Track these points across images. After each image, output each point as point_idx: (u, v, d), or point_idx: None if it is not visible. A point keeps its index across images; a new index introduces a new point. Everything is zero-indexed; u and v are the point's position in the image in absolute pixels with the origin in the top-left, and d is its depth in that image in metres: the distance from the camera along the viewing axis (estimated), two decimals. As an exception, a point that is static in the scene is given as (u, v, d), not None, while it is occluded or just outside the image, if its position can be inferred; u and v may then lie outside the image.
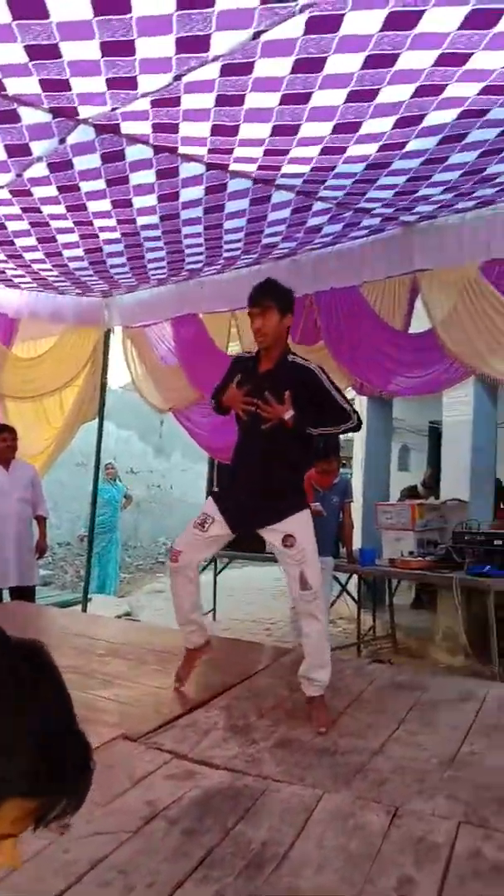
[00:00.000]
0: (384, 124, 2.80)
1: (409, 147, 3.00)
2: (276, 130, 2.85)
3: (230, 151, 3.05)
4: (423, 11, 2.07)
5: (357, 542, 5.79)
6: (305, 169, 3.23)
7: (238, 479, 2.83)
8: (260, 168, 3.23)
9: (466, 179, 3.40)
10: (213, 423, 5.57)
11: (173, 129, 2.86)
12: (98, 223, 3.86)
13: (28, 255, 4.45)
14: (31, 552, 5.00)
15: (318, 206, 3.72)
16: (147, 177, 3.29)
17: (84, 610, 6.10)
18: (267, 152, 3.06)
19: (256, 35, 2.18)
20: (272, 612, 7.59)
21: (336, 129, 2.83)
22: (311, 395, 2.68)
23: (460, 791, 2.02)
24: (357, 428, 2.78)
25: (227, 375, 2.89)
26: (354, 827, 1.80)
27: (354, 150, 3.02)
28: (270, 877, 1.58)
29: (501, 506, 6.74)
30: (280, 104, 2.65)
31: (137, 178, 3.30)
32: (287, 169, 3.24)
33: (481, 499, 5.75)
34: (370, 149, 3.01)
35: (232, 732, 2.42)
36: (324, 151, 3.05)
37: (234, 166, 3.21)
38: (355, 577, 6.07)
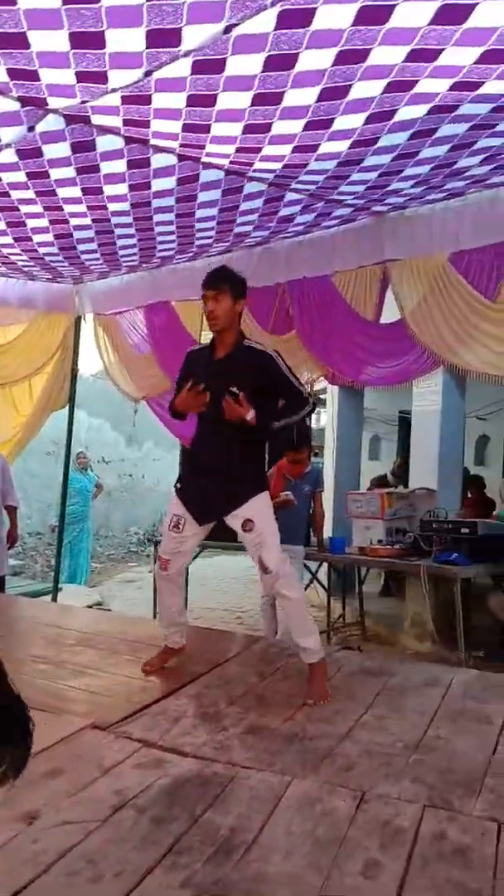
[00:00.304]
0: (356, 120, 2.79)
1: (380, 143, 3.00)
2: (248, 129, 2.83)
3: (202, 147, 3.03)
4: (394, 6, 2.06)
5: (328, 531, 5.84)
6: (277, 166, 3.23)
7: (198, 466, 2.88)
8: (232, 163, 3.21)
9: (437, 173, 3.42)
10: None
11: (145, 124, 2.83)
12: (68, 209, 3.80)
13: (-3, 240, 4.38)
14: (2, 542, 4.95)
15: (290, 196, 3.71)
16: (118, 166, 3.25)
17: (54, 600, 6.06)
18: (239, 150, 3.04)
19: (228, 29, 2.15)
20: (243, 601, 7.63)
21: (308, 126, 2.82)
22: (270, 381, 2.70)
23: (426, 775, 2.06)
24: (312, 410, 2.79)
25: (180, 376, 2.92)
26: (322, 812, 1.83)
27: (327, 146, 3.01)
28: (239, 863, 1.60)
29: (468, 495, 6.85)
30: (252, 104, 2.63)
31: (108, 167, 3.25)
32: (259, 165, 3.23)
33: (449, 488, 5.82)
34: (342, 145, 3.01)
35: (202, 720, 2.44)
36: (296, 149, 3.04)
37: (206, 159, 3.19)
38: (325, 565, 6.13)
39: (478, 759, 2.17)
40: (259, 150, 3.04)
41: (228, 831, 1.72)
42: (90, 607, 6.35)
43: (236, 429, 2.67)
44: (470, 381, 5.74)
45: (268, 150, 3.04)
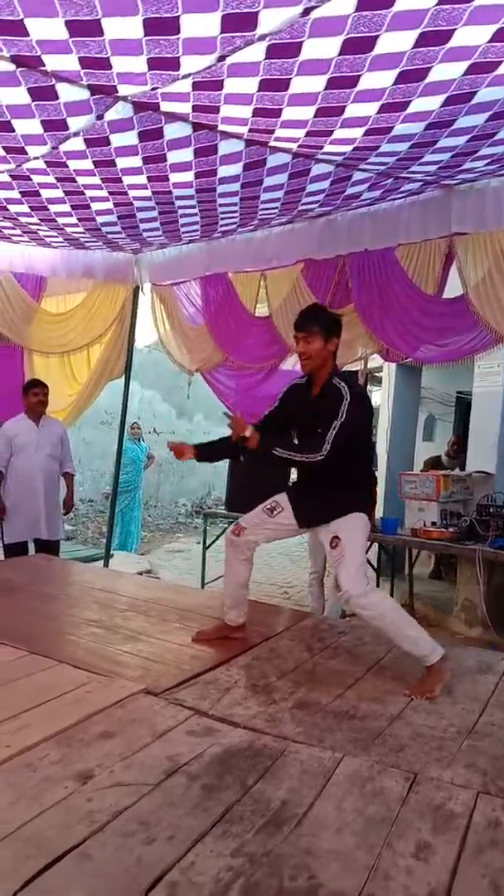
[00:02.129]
0: (433, 102, 2.69)
1: (456, 125, 2.89)
2: (321, 112, 2.76)
3: (271, 132, 2.96)
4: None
5: (379, 511, 5.77)
6: (348, 149, 3.14)
7: (303, 484, 2.95)
8: (301, 146, 3.14)
9: None
10: (240, 386, 5.53)
11: (214, 110, 2.78)
12: (133, 193, 3.79)
13: (61, 220, 4.40)
14: (58, 508, 5.06)
15: (357, 175, 3.61)
16: (185, 155, 3.21)
17: (106, 565, 6.18)
18: (310, 133, 2.97)
19: (307, 12, 2.07)
20: (291, 577, 7.64)
21: (383, 109, 2.73)
22: (327, 412, 2.66)
23: (479, 761, 2.02)
24: (316, 465, 2.68)
25: (278, 403, 3.01)
26: (373, 791, 1.81)
27: (400, 128, 2.91)
28: (289, 836, 1.60)
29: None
30: (326, 88, 2.56)
31: (175, 156, 3.23)
32: (329, 148, 3.14)
33: (509, 471, 5.67)
34: (417, 127, 2.91)
35: (252, 692, 2.44)
36: (369, 132, 2.95)
37: (274, 143, 3.12)
38: (375, 545, 6.07)
39: (533, 749, 2.12)
40: (330, 132, 2.96)
41: (279, 804, 1.72)
42: (140, 574, 6.45)
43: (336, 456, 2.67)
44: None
45: (339, 132, 2.96)
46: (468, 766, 1.99)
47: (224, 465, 8.61)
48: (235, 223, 4.51)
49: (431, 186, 4.00)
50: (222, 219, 4.34)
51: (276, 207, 4.07)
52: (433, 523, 5.08)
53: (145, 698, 2.31)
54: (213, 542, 7.04)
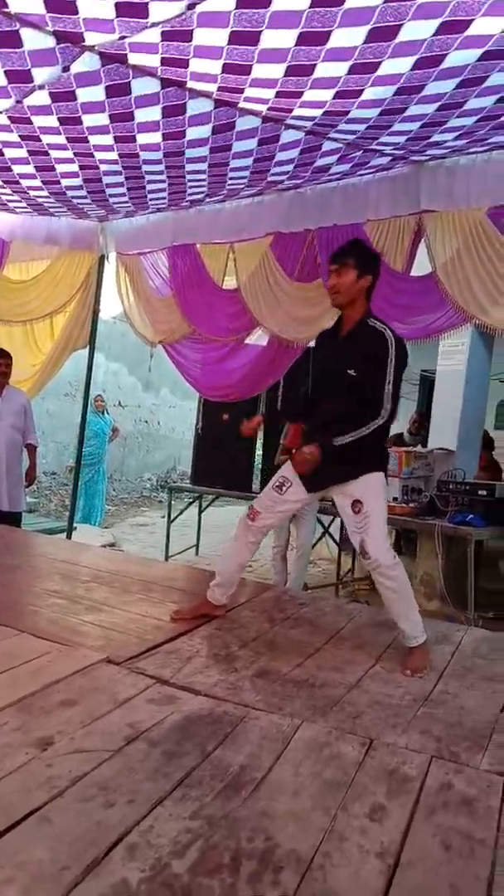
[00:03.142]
0: (403, 65, 2.64)
1: (426, 91, 2.86)
2: (291, 71, 2.70)
3: (241, 91, 2.90)
4: None
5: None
6: (317, 112, 3.09)
7: (309, 436, 2.74)
8: (271, 109, 3.09)
9: (482, 125, 3.27)
10: (204, 359, 5.50)
11: (183, 63, 2.71)
12: (99, 156, 3.70)
13: (25, 182, 4.28)
14: (21, 480, 5.00)
15: (327, 146, 3.58)
16: (153, 114, 3.13)
17: (69, 538, 6.14)
18: (279, 94, 2.91)
19: None
20: (254, 550, 7.69)
21: (353, 70, 2.68)
22: (371, 364, 2.51)
23: (434, 728, 2.08)
24: (383, 425, 2.52)
25: (302, 354, 2.86)
26: (330, 756, 1.86)
27: (370, 93, 2.87)
28: (247, 799, 1.63)
29: (485, 456, 6.78)
30: (297, 44, 2.50)
31: (143, 114, 3.14)
32: (299, 112, 3.10)
33: (468, 450, 5.77)
34: (387, 91, 2.86)
35: (214, 661, 2.47)
36: (338, 95, 2.90)
37: (243, 105, 3.06)
38: (338, 519, 6.14)
39: (486, 716, 2.19)
40: (300, 94, 2.91)
41: (238, 768, 1.75)
42: (104, 547, 6.43)
43: (341, 400, 2.57)
44: (497, 342, 5.65)
45: (309, 94, 2.91)
46: (423, 732, 2.05)
47: (190, 439, 8.60)
48: (203, 192, 4.44)
49: (401, 163, 3.99)
50: (190, 187, 4.27)
51: (245, 177, 4.02)
52: (395, 499, 5.15)
53: (107, 667, 2.32)
54: (178, 516, 7.06)
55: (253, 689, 2.26)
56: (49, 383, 6.11)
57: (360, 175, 4.24)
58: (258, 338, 5.14)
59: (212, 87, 2.91)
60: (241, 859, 1.41)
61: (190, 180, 4.10)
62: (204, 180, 4.09)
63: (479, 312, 3.95)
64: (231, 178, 4.06)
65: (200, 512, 7.46)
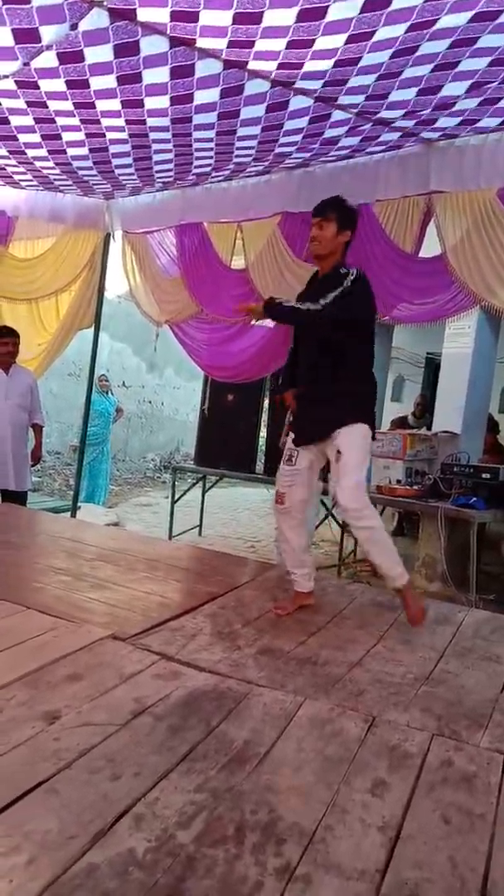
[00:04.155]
0: (397, 30, 2.63)
1: (420, 51, 2.81)
2: (303, 16, 2.65)
3: (251, 44, 2.85)
4: None
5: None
6: (328, 65, 3.03)
7: (301, 392, 2.87)
8: (281, 66, 3.03)
9: (483, 89, 3.19)
10: (210, 339, 5.49)
11: (193, 17, 2.67)
12: (106, 122, 3.66)
13: (31, 153, 4.25)
14: (26, 458, 5.01)
15: (336, 115, 3.53)
16: (161, 75, 3.09)
17: (73, 517, 6.17)
18: (290, 44, 2.85)
19: None
20: (257, 531, 7.73)
21: (365, 8, 2.61)
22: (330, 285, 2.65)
23: (435, 706, 2.11)
24: (315, 319, 2.63)
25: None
26: (332, 733, 1.88)
27: (383, 32, 2.79)
28: (251, 773, 1.65)
29: (489, 440, 6.78)
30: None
31: (151, 75, 3.10)
32: (310, 66, 3.04)
33: (473, 433, 5.76)
34: (398, 30, 2.77)
35: (217, 638, 2.50)
36: (350, 39, 2.84)
37: (253, 64, 3.01)
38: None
39: (486, 695, 2.22)
40: (312, 42, 2.85)
41: (242, 743, 1.78)
42: (108, 526, 6.46)
43: (324, 352, 2.70)
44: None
45: (321, 42, 2.84)
46: (424, 710, 2.07)
47: (193, 420, 8.59)
48: (210, 165, 4.40)
49: (410, 140, 3.95)
50: (197, 159, 4.23)
51: (253, 147, 3.96)
52: (398, 481, 5.16)
53: (112, 643, 2.34)
54: (181, 496, 7.08)
55: (256, 666, 2.28)
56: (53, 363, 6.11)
57: (370, 153, 4.19)
58: (267, 319, 5.12)
59: (221, 44, 2.85)
60: (245, 831, 1.44)
61: (197, 149, 4.04)
62: (211, 150, 4.04)
63: (487, 295, 3.93)
64: (239, 149, 4.01)
65: (204, 493, 7.48)
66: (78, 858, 1.31)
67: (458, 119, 3.62)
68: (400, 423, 7.61)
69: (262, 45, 2.86)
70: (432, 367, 8.85)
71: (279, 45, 2.87)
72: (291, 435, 2.87)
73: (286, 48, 2.89)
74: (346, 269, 2.69)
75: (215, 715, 1.91)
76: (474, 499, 4.67)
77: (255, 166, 4.47)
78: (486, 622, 3.01)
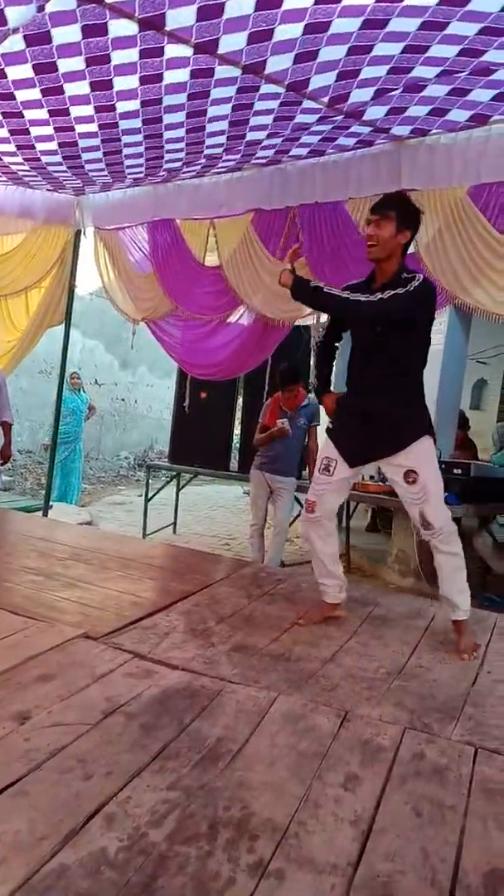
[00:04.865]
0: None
1: (390, 27, 2.80)
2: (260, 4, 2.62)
3: (217, 31, 2.83)
4: None
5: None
6: (288, 62, 3.03)
7: (353, 402, 2.67)
8: (249, 53, 3.01)
9: (451, 78, 3.20)
10: (188, 337, 5.46)
11: (160, 5, 2.64)
12: (75, 112, 3.61)
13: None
14: (-6, 458, 4.94)
15: (307, 104, 3.52)
16: (130, 55, 3.05)
17: (45, 516, 6.11)
18: (251, 37, 2.84)
19: None
20: (232, 528, 7.73)
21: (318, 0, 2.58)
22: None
23: (406, 700, 2.12)
24: (361, 314, 2.48)
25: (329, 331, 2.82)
26: (305, 728, 1.89)
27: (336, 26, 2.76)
28: (224, 770, 1.65)
29: (460, 436, 6.85)
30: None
31: (119, 56, 3.06)
32: (274, 63, 3.03)
33: (445, 429, 5.80)
34: (354, 24, 2.74)
35: (191, 636, 2.49)
36: (307, 29, 2.81)
37: (223, 49, 2.98)
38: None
39: (458, 689, 2.24)
40: (271, 33, 2.84)
41: (215, 741, 1.77)
42: (81, 525, 6.40)
43: (394, 362, 2.52)
44: (475, 322, 5.68)
45: (280, 32, 2.83)
46: (396, 704, 2.09)
47: (167, 418, 8.54)
48: (181, 160, 4.36)
49: (382, 136, 3.95)
50: (168, 152, 4.19)
51: (224, 131, 3.91)
52: (371, 477, 5.19)
53: (84, 643, 2.32)
54: (156, 494, 7.04)
55: (229, 663, 2.28)
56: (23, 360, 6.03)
57: (342, 148, 4.19)
58: (243, 316, 5.11)
59: (188, 26, 2.82)
60: (217, 828, 1.44)
61: (168, 139, 3.99)
62: (182, 139, 3.99)
63: (460, 292, 3.96)
64: (209, 134, 3.94)
65: (178, 490, 7.46)
66: (49, 859, 1.30)
67: (429, 107, 3.59)
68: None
69: (227, 39, 2.85)
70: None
71: (242, 38, 2.85)
72: (328, 443, 2.71)
73: (247, 44, 2.88)
74: (409, 274, 2.49)
75: (188, 712, 1.90)
76: (446, 494, 4.70)
77: (227, 161, 4.44)
78: (458, 616, 3.03)
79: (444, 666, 2.43)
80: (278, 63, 3.10)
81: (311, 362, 6.60)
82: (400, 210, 2.51)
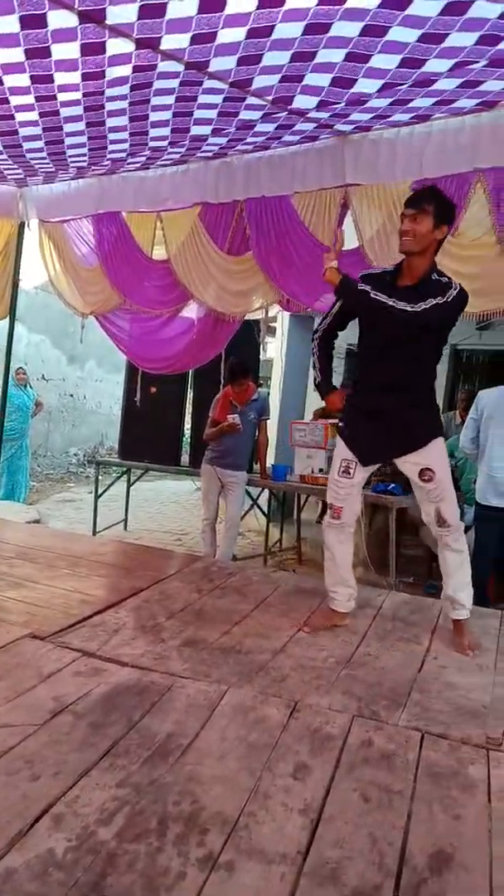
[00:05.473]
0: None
1: (333, 31, 2.82)
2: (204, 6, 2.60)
3: (158, 38, 2.81)
4: None
5: (271, 459, 5.90)
6: (231, 63, 3.03)
7: (367, 402, 2.64)
8: (192, 52, 2.99)
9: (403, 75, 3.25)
10: (139, 330, 5.40)
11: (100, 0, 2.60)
12: (15, 101, 3.51)
13: None
14: None
15: (251, 100, 3.51)
16: (71, 51, 2.99)
17: (-9, 515, 5.97)
18: (194, 38, 2.82)
19: None
20: (184, 523, 7.70)
21: (261, 4, 2.58)
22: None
23: (355, 688, 2.16)
24: (405, 319, 2.39)
25: (361, 290, 2.56)
26: (255, 720, 1.90)
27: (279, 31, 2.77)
28: (174, 765, 1.65)
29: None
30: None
31: (60, 50, 3.00)
32: (217, 62, 3.02)
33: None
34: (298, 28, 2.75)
35: (140, 632, 2.47)
36: (250, 34, 2.81)
37: (165, 44, 2.96)
38: (266, 491, 6.21)
39: (405, 675, 2.29)
40: (214, 35, 2.83)
41: (165, 736, 1.77)
42: (27, 524, 6.28)
43: (415, 361, 2.51)
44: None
45: (224, 35, 2.82)
46: (345, 692, 2.12)
47: (117, 413, 8.44)
48: (125, 150, 4.30)
49: (326, 131, 3.98)
50: (112, 142, 4.12)
51: (168, 121, 3.86)
52: (321, 470, 5.24)
53: (31, 643, 2.28)
54: (105, 490, 6.96)
55: (180, 658, 2.27)
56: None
57: (287, 143, 4.20)
58: (192, 310, 5.07)
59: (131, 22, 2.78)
60: (167, 823, 1.43)
61: (111, 128, 3.93)
62: (125, 128, 3.93)
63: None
64: (153, 125, 3.90)
65: (129, 486, 7.38)
66: (-6, 864, 1.27)
67: (372, 113, 3.67)
68: (322, 413, 7.73)
69: (169, 39, 2.82)
70: (352, 359, 9.00)
71: (185, 39, 2.83)
72: (342, 444, 2.70)
73: (190, 44, 2.86)
74: (446, 280, 2.46)
75: (138, 709, 1.89)
76: (392, 485, 4.80)
77: (172, 154, 4.40)
78: (405, 604, 3.11)
79: (392, 653, 2.48)
80: (222, 63, 3.09)
81: (260, 357, 6.63)
82: (437, 204, 2.45)
